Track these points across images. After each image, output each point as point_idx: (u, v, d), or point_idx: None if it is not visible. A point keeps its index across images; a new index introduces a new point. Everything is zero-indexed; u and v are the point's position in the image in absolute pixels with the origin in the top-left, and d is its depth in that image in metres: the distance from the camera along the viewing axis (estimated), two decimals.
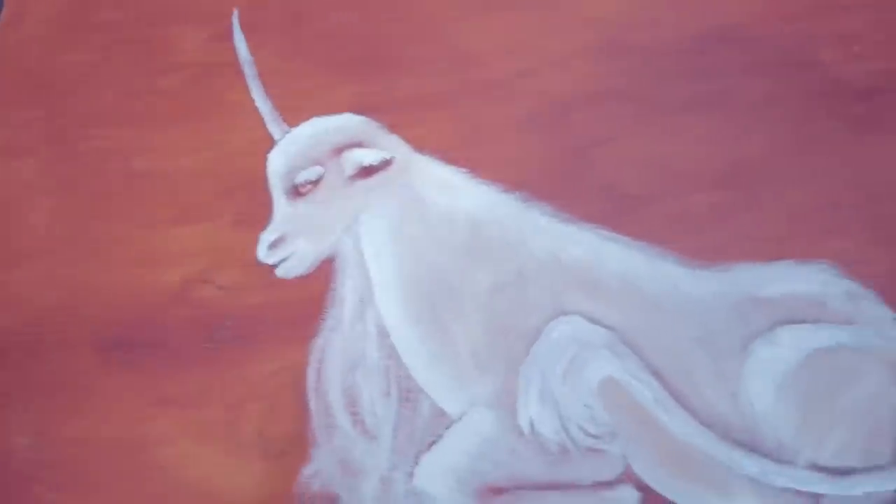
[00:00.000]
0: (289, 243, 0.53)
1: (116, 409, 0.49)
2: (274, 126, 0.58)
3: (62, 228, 0.55)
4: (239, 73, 0.60)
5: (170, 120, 0.59)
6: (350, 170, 0.55)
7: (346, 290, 0.52)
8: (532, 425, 0.49)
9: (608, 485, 0.48)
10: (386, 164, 0.55)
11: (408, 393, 0.50)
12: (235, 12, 0.62)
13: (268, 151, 0.57)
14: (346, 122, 0.58)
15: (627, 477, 0.48)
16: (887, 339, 0.53)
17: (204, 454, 0.48)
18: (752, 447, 0.49)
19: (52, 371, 0.50)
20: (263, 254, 0.53)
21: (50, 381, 0.50)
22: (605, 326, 0.51)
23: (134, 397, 0.49)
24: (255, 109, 0.59)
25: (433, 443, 0.48)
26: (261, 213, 0.55)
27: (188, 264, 0.53)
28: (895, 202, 0.58)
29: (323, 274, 0.53)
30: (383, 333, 0.51)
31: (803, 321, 0.53)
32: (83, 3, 0.62)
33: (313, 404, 0.49)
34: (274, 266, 0.53)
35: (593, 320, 0.52)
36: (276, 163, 0.56)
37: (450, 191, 0.56)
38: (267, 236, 0.54)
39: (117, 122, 0.58)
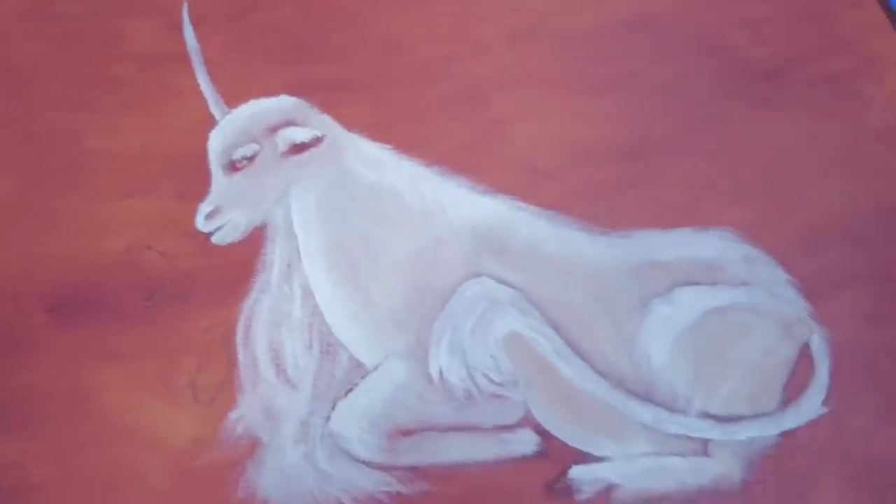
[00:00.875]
0: (224, 213, 0.59)
1: (63, 362, 0.54)
2: (216, 108, 0.63)
3: (17, 202, 0.60)
4: (186, 61, 0.65)
5: (121, 104, 0.64)
6: (283, 146, 0.60)
7: (275, 255, 0.58)
8: (441, 374, 0.54)
9: (509, 428, 0.53)
10: (317, 141, 0.61)
11: (328, 347, 0.55)
12: (185, 6, 0.68)
13: (209, 131, 0.62)
14: (281, 103, 0.63)
15: (527, 421, 0.53)
16: (780, 298, 0.58)
17: (142, 401, 0.53)
18: (646, 397, 0.54)
19: (4, 328, 0.55)
20: (201, 223, 0.59)
21: (4, 337, 0.55)
22: (513, 287, 0.56)
23: (79, 351, 0.54)
24: (200, 94, 0.64)
25: (350, 391, 0.53)
26: (200, 187, 0.60)
27: (132, 233, 0.58)
28: (792, 173, 0.63)
29: (254, 241, 0.58)
30: (308, 294, 0.56)
31: (700, 283, 0.58)
32: None
33: (241, 357, 0.54)
34: (210, 234, 0.58)
35: (502, 281, 0.57)
36: (216, 141, 0.61)
37: (375, 165, 0.61)
38: (204, 207, 0.59)
39: (71, 106, 0.63)
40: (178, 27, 0.67)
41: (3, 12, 0.67)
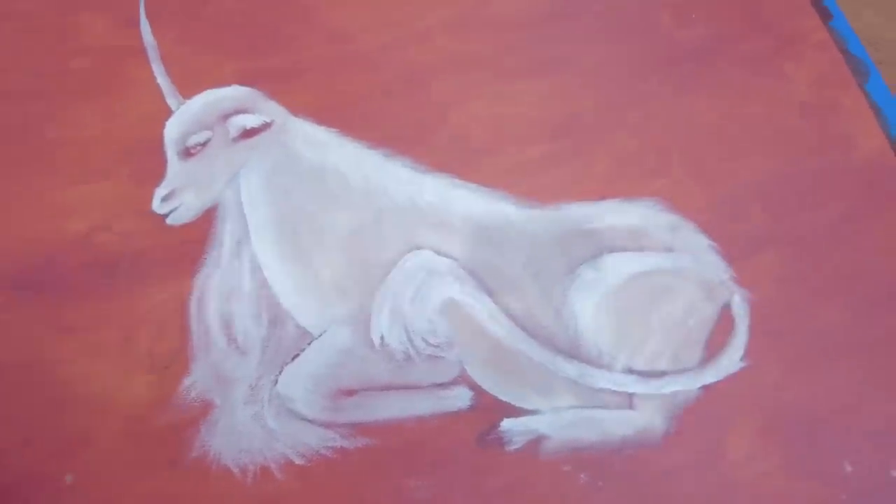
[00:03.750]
0: (178, 196, 0.63)
1: (24, 336, 0.58)
2: (171, 98, 0.68)
3: None
4: (141, 55, 0.70)
5: (78, 95, 0.69)
6: (234, 132, 0.65)
7: (226, 233, 0.62)
8: (382, 338, 0.59)
9: (445, 385, 0.58)
10: (266, 126, 0.66)
11: (276, 317, 0.60)
12: (141, 1, 0.72)
13: (165, 120, 0.67)
14: (233, 93, 0.68)
15: (462, 379, 0.58)
16: (703, 263, 0.63)
17: (101, 371, 0.57)
18: (573, 355, 0.59)
19: None
20: (157, 205, 0.63)
21: None
22: (450, 257, 0.61)
23: (40, 326, 0.58)
24: (156, 85, 0.69)
25: (296, 356, 0.58)
26: (156, 172, 0.65)
27: (91, 216, 0.63)
28: (715, 147, 0.69)
29: (205, 220, 0.63)
30: (256, 269, 0.61)
31: (627, 250, 0.63)
32: None
33: (194, 327, 0.59)
34: (165, 215, 0.63)
35: (440, 253, 0.62)
36: (172, 129, 0.66)
37: (320, 147, 0.66)
38: (160, 191, 0.64)
39: (30, 97, 0.68)
40: (132, 22, 0.72)
41: None
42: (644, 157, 0.67)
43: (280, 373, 0.57)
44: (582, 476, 0.55)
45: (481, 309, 0.59)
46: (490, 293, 0.60)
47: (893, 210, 0.66)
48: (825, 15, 0.75)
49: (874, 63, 0.73)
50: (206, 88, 0.68)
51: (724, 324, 0.61)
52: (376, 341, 0.59)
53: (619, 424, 0.57)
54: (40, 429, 0.56)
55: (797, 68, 0.73)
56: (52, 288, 0.60)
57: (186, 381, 0.57)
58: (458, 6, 0.71)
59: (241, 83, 0.69)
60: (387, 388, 0.57)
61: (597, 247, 0.62)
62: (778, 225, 0.65)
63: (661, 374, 0.59)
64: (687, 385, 0.59)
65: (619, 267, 0.62)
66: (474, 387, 0.58)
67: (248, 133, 0.65)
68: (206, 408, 0.56)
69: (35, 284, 0.60)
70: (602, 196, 0.65)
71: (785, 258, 0.64)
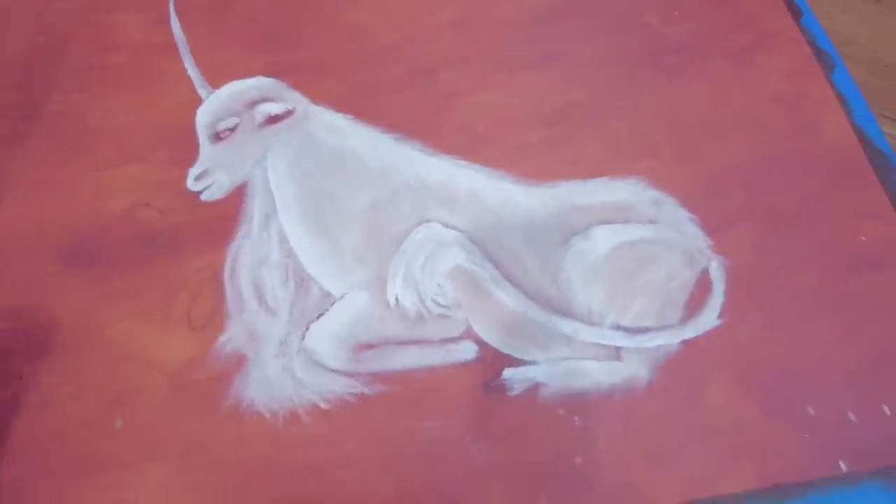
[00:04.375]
0: (210, 175, 0.70)
1: (74, 301, 0.65)
2: (202, 89, 0.75)
3: (30, 173, 0.71)
4: (173, 49, 0.77)
5: (116, 87, 0.76)
6: (260, 119, 0.72)
7: (255, 208, 0.69)
8: (397, 300, 0.65)
9: (453, 340, 0.64)
10: (289, 113, 0.73)
11: (302, 281, 0.66)
12: (171, 0, 0.79)
13: (196, 108, 0.74)
14: (258, 83, 0.75)
15: (468, 334, 0.65)
16: (684, 234, 0.70)
17: (143, 330, 0.64)
18: (567, 314, 0.66)
19: (24, 275, 0.66)
20: (191, 184, 0.70)
21: (24, 283, 0.66)
22: (457, 230, 0.68)
23: (88, 292, 0.65)
24: (187, 77, 0.76)
25: (320, 315, 0.65)
26: (190, 155, 0.72)
27: (132, 194, 0.70)
28: (697, 131, 0.75)
29: (237, 197, 0.70)
30: (283, 240, 0.68)
31: (614, 222, 0.69)
32: None
33: (228, 291, 0.65)
34: (199, 193, 0.70)
35: (448, 225, 0.68)
36: (202, 116, 0.73)
37: (339, 132, 0.73)
38: (194, 171, 0.71)
39: (72, 89, 0.75)
40: (164, 20, 0.79)
41: (3, 7, 0.78)
42: (633, 141, 0.74)
43: (307, 329, 0.64)
44: (575, 419, 0.61)
45: (485, 274, 0.66)
46: (493, 261, 0.67)
47: (856, 188, 0.73)
48: (797, 13, 0.83)
49: (841, 58, 0.81)
50: (233, 79, 0.75)
51: (703, 286, 0.68)
52: (391, 303, 0.65)
53: (608, 374, 0.64)
54: (91, 382, 0.62)
55: (771, 61, 0.80)
56: (99, 259, 0.67)
57: (222, 339, 0.63)
58: (465, 6, 0.79)
59: (266, 75, 0.76)
60: (401, 342, 0.64)
61: (588, 220, 0.69)
62: (754, 201, 0.72)
63: (645, 330, 0.65)
64: (669, 339, 0.65)
65: (608, 237, 0.68)
66: (479, 341, 0.64)
67: (273, 119, 0.72)
68: (239, 361, 0.63)
69: (84, 256, 0.67)
70: (592, 176, 0.72)
71: (760, 230, 0.70)
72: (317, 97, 0.74)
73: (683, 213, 0.70)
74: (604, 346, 0.65)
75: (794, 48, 0.80)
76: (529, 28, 0.79)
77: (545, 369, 0.63)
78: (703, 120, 0.76)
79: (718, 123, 0.76)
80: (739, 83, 0.78)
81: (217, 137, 0.71)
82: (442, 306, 0.65)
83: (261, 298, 0.65)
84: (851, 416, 0.61)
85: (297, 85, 0.75)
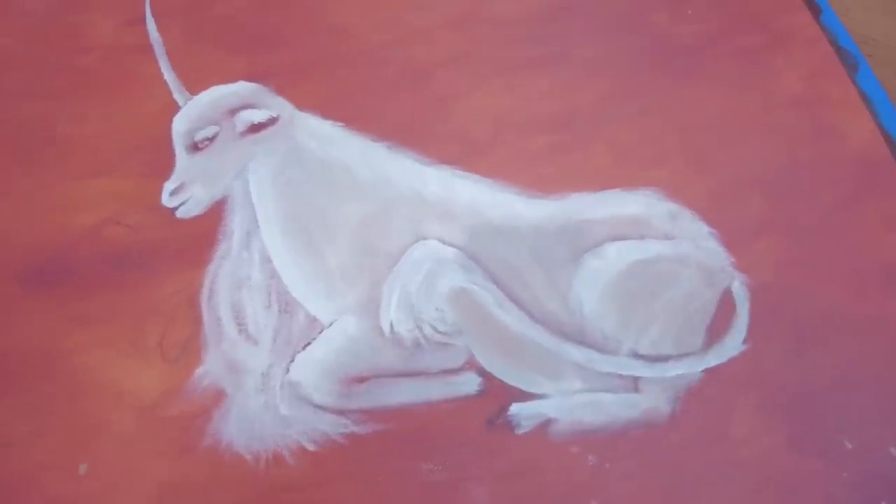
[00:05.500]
0: (187, 189, 0.64)
1: (36, 326, 0.58)
2: (179, 95, 0.68)
3: None
4: (148, 52, 0.70)
5: (87, 92, 0.69)
6: (241, 127, 0.65)
7: (235, 225, 0.63)
8: (392, 327, 0.59)
9: (454, 371, 0.58)
10: (272, 120, 0.66)
11: (286, 306, 0.60)
12: (147, 0, 0.73)
13: (173, 116, 0.67)
14: (239, 88, 0.68)
15: (470, 365, 0.58)
16: (703, 250, 0.64)
17: (112, 360, 0.57)
18: (579, 340, 0.60)
19: None
20: (166, 199, 0.64)
21: None
22: (456, 247, 0.62)
23: (52, 316, 0.59)
24: (163, 81, 0.69)
25: (307, 344, 0.58)
26: (165, 167, 0.65)
27: (101, 208, 0.63)
28: (711, 137, 0.70)
29: (215, 213, 0.63)
30: (266, 259, 0.61)
31: (628, 238, 0.63)
32: None
33: (205, 317, 0.59)
34: (175, 209, 0.63)
35: (446, 242, 0.62)
36: (179, 124, 0.66)
37: (326, 141, 0.66)
38: (169, 185, 0.64)
39: (40, 95, 0.68)
40: (139, 21, 0.72)
41: None
42: (643, 148, 0.68)
43: (291, 361, 0.57)
44: (590, 458, 0.55)
45: (488, 296, 0.60)
46: (496, 281, 0.61)
47: (884, 196, 0.67)
48: (815, 10, 0.77)
49: (864, 56, 0.75)
50: (212, 84, 0.69)
51: (724, 308, 0.62)
52: (386, 329, 0.59)
53: (624, 407, 0.58)
54: (54, 419, 0.56)
55: (790, 61, 0.74)
56: (63, 280, 0.60)
57: (198, 371, 0.57)
58: (459, 4, 0.72)
59: (248, 79, 0.69)
60: (397, 374, 0.58)
61: (599, 236, 0.63)
62: (775, 212, 0.66)
63: (665, 359, 0.60)
64: (690, 368, 0.59)
65: (621, 255, 0.62)
66: (483, 372, 0.58)
67: (255, 128, 0.65)
68: (218, 396, 0.56)
69: (47, 276, 0.60)
70: (602, 187, 0.66)
71: (782, 244, 0.64)
72: (302, 103, 0.68)
73: (702, 227, 0.64)
74: (620, 376, 0.59)
75: (815, 47, 0.74)
76: (529, 26, 0.73)
77: (556, 403, 0.57)
78: (717, 125, 0.70)
79: (734, 129, 0.70)
80: (755, 85, 0.72)
81: (195, 147, 0.65)
82: (441, 333, 0.59)
83: (241, 325, 0.59)
84: (894, 451, 0.55)
85: (281, 90, 0.68)
